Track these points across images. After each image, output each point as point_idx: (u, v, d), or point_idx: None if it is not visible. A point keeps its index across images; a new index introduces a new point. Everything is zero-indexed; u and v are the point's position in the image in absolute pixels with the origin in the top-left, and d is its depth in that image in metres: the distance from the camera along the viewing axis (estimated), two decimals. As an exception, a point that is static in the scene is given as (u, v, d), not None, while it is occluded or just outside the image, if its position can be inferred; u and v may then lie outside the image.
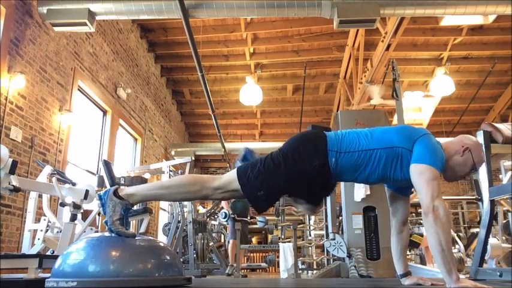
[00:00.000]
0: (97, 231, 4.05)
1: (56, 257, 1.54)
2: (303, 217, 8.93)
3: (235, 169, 1.67)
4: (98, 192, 1.64)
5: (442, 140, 1.77)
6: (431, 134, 1.69)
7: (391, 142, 1.64)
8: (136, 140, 7.76)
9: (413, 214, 5.83)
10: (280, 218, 5.88)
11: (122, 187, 1.65)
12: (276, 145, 10.06)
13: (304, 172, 1.61)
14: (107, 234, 1.57)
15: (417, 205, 5.39)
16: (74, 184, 3.14)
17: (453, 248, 5.57)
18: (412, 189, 1.76)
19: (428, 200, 1.50)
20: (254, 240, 12.17)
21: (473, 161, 1.69)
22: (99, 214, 3.99)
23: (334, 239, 4.09)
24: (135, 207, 2.46)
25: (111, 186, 3.38)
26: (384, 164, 1.62)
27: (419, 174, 1.55)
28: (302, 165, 1.61)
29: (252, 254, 10.68)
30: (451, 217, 8.90)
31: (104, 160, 4.27)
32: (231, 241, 5.65)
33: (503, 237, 4.73)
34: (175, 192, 1.66)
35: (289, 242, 4.95)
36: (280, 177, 1.60)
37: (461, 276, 1.54)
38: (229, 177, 1.66)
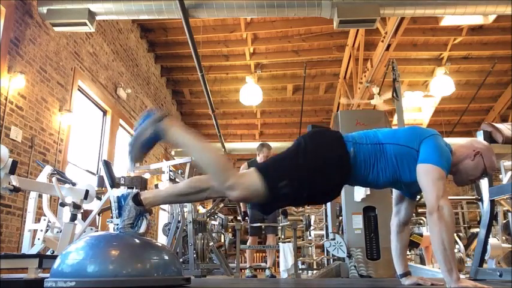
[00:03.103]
0: (97, 231, 4.05)
1: (55, 257, 1.54)
2: (303, 217, 8.92)
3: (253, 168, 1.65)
4: (117, 195, 1.67)
5: (452, 142, 1.77)
6: (440, 135, 1.69)
7: (397, 140, 1.64)
8: (136, 140, 7.75)
9: (413, 214, 5.83)
10: (280, 218, 5.88)
11: (141, 193, 1.68)
12: (275, 145, 10.05)
13: (325, 163, 1.61)
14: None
15: (417, 205, 5.39)
16: (74, 184, 3.14)
17: (453, 248, 5.55)
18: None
19: (434, 200, 1.51)
20: (254, 240, 12.14)
21: (485, 166, 1.68)
22: (99, 214, 3.99)
23: (334, 239, 4.10)
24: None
25: (111, 186, 3.37)
26: (392, 160, 1.62)
27: (425, 174, 1.56)
28: (323, 155, 1.61)
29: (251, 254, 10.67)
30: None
31: (104, 160, 4.26)
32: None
33: (503, 237, 4.72)
34: (194, 199, 1.71)
35: (289, 242, 4.94)
36: (302, 167, 1.59)
37: (461, 276, 1.54)
38: (249, 172, 1.62)
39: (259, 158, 4.90)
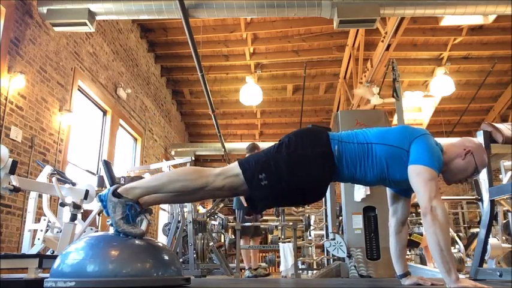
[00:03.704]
0: (97, 231, 4.05)
1: (55, 257, 1.54)
2: (303, 217, 8.92)
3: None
4: (99, 194, 1.60)
5: (444, 142, 1.77)
6: (430, 134, 1.68)
7: (387, 140, 1.64)
8: (136, 140, 7.76)
9: (413, 214, 5.83)
10: (280, 218, 5.87)
11: (120, 186, 1.60)
12: (276, 145, 10.06)
13: (306, 158, 1.60)
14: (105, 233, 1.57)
15: (417, 205, 5.39)
16: (74, 184, 3.13)
17: (453, 248, 5.56)
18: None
19: (426, 201, 1.50)
20: (254, 240, 12.14)
21: (476, 164, 1.67)
22: (99, 214, 3.99)
23: (334, 239, 4.09)
24: None
25: (111, 186, 3.37)
26: (380, 160, 1.62)
27: (417, 175, 1.55)
28: (305, 151, 1.61)
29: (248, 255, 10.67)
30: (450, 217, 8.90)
31: (104, 160, 4.26)
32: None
33: (503, 237, 4.72)
34: (175, 180, 1.60)
35: (289, 242, 4.94)
36: (282, 161, 1.59)
37: (461, 276, 1.54)
38: (231, 164, 1.67)
39: None
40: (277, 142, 1.69)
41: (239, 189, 1.67)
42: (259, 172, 1.58)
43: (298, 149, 1.61)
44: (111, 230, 1.58)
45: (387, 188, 1.86)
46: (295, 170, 1.59)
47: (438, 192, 1.52)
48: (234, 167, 1.63)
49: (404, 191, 1.81)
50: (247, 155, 4.96)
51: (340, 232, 4.68)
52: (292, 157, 1.60)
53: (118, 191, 1.57)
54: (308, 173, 1.60)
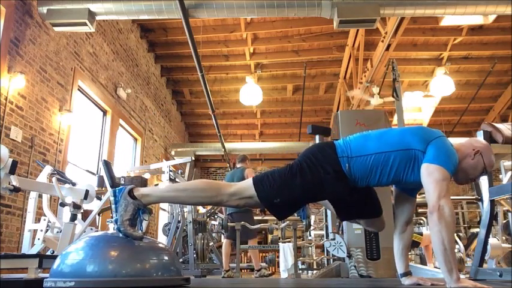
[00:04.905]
0: (97, 231, 4.05)
1: (55, 257, 1.54)
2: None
3: (251, 178, 1.71)
4: (113, 189, 1.62)
5: (452, 142, 1.77)
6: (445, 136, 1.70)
7: (407, 144, 1.64)
8: (136, 140, 7.76)
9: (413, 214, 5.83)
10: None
11: (137, 187, 1.64)
12: (276, 145, 10.10)
13: (320, 181, 1.63)
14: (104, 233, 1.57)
15: (417, 205, 5.38)
16: (74, 184, 3.14)
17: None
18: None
19: (435, 199, 1.51)
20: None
21: (484, 164, 1.70)
22: (99, 214, 3.99)
23: (334, 239, 4.09)
24: None
25: (111, 186, 3.37)
26: (397, 167, 1.63)
27: (430, 174, 1.56)
28: (317, 174, 1.63)
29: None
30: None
31: (104, 160, 4.26)
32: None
33: (503, 237, 4.72)
34: (191, 196, 1.68)
35: (289, 242, 4.94)
36: (296, 187, 1.64)
37: (461, 276, 1.54)
38: (245, 184, 1.69)
39: (244, 165, 5.10)
40: (292, 162, 1.71)
41: (254, 206, 1.73)
42: (274, 197, 1.64)
43: (310, 172, 1.64)
44: (111, 230, 1.58)
45: (394, 188, 1.88)
46: (310, 194, 1.68)
47: (448, 192, 1.53)
48: (249, 188, 1.65)
49: (410, 190, 1.82)
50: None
51: (340, 232, 4.67)
52: (306, 183, 1.64)
53: (134, 193, 1.60)
54: (323, 195, 1.71)
